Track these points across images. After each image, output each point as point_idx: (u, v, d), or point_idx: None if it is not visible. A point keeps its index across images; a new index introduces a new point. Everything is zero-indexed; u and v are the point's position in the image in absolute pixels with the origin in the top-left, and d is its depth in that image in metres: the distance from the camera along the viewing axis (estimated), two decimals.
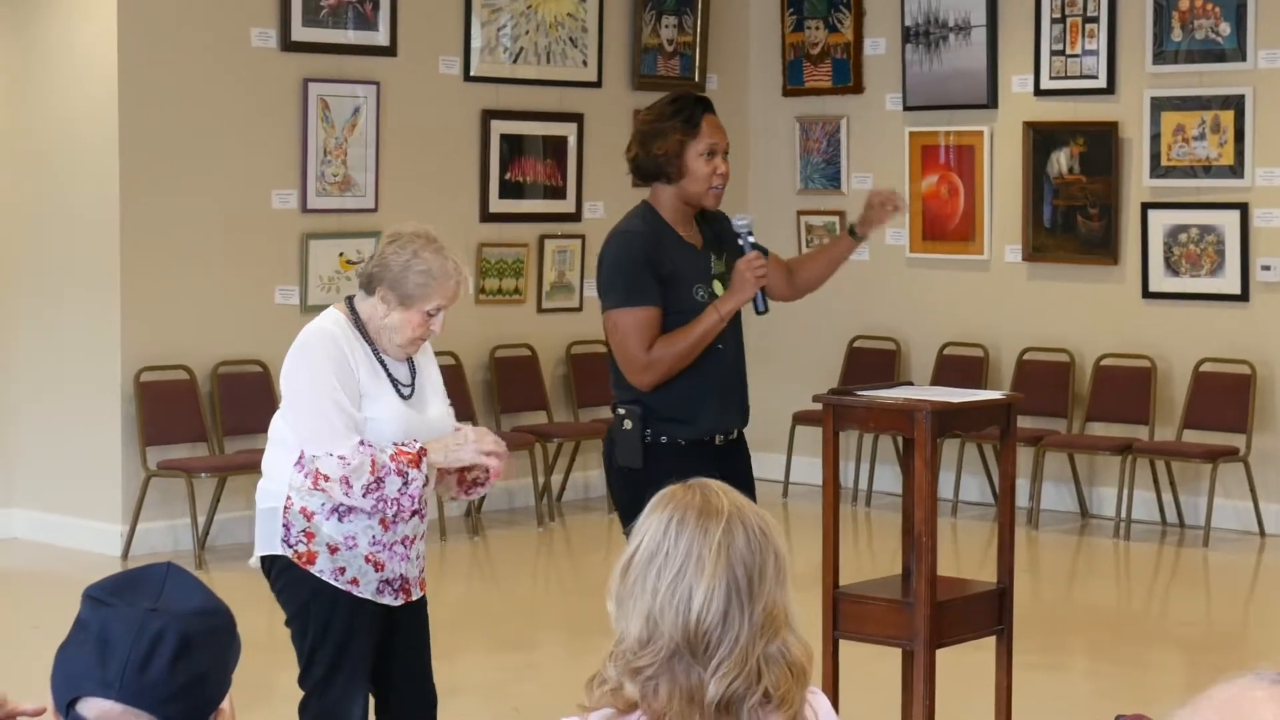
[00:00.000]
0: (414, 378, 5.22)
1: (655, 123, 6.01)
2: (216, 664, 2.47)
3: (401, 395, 5.15)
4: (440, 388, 5.33)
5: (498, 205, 11.64)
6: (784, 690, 2.82)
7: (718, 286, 5.99)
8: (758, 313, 5.97)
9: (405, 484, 5.00)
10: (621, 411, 5.98)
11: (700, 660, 2.78)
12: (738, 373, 6.08)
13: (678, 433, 5.91)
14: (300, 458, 5.04)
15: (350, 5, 10.87)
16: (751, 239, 5.97)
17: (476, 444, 5.14)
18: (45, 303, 10.48)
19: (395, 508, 5.02)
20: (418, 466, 5.02)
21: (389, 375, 5.14)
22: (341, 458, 4.96)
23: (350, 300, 5.20)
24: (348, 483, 4.97)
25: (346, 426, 5.00)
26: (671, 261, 5.92)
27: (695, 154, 5.95)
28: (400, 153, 11.13)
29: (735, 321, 6.04)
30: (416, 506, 5.06)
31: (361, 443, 5.00)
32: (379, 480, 4.98)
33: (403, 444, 5.05)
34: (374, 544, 5.09)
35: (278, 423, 5.19)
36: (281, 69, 10.65)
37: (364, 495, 4.98)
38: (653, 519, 2.85)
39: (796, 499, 11.99)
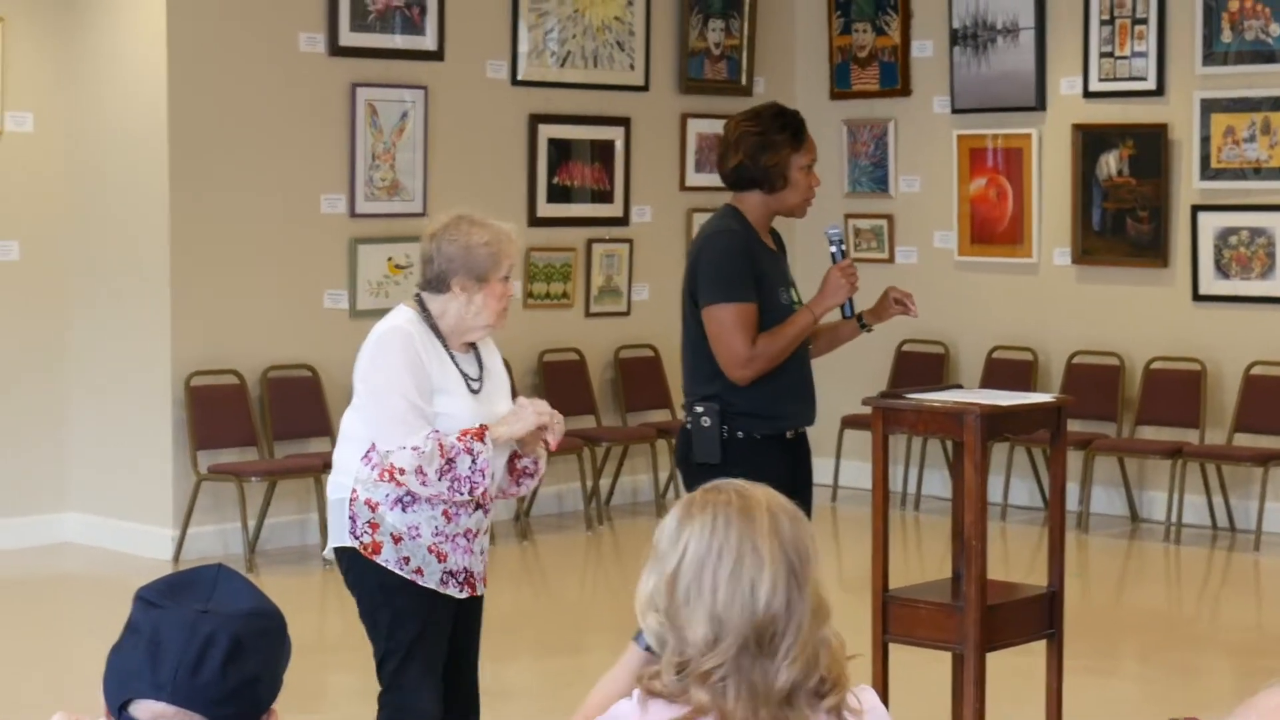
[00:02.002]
0: (481, 373, 5.27)
1: (765, 134, 6.16)
2: (268, 666, 2.48)
3: (471, 390, 5.24)
4: (506, 384, 5.43)
5: (545, 209, 11.65)
6: (836, 673, 2.83)
7: (793, 292, 6.20)
8: (845, 316, 6.21)
9: (474, 460, 5.09)
10: (700, 409, 6.07)
11: (766, 651, 2.78)
12: (809, 370, 6.29)
13: (755, 428, 6.05)
14: (369, 451, 5.11)
15: (398, 10, 10.89)
16: (843, 246, 6.22)
17: (532, 408, 5.22)
18: (96, 308, 10.53)
19: (469, 485, 5.10)
20: (482, 440, 5.11)
21: (460, 371, 5.22)
22: (415, 449, 5.04)
23: (419, 298, 5.24)
24: (422, 471, 5.05)
25: (419, 420, 5.08)
26: (761, 263, 6.09)
27: (798, 167, 6.15)
28: (448, 157, 11.15)
29: None
30: (488, 483, 5.13)
31: (429, 431, 5.09)
32: (450, 461, 5.07)
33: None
34: (437, 534, 5.18)
35: (349, 417, 5.29)
36: (330, 74, 10.68)
37: (439, 479, 5.06)
38: (691, 527, 2.84)
39: (845, 503, 11.97)
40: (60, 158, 10.58)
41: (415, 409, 5.08)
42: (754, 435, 6.04)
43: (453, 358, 5.22)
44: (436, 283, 5.20)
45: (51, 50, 10.54)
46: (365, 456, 5.14)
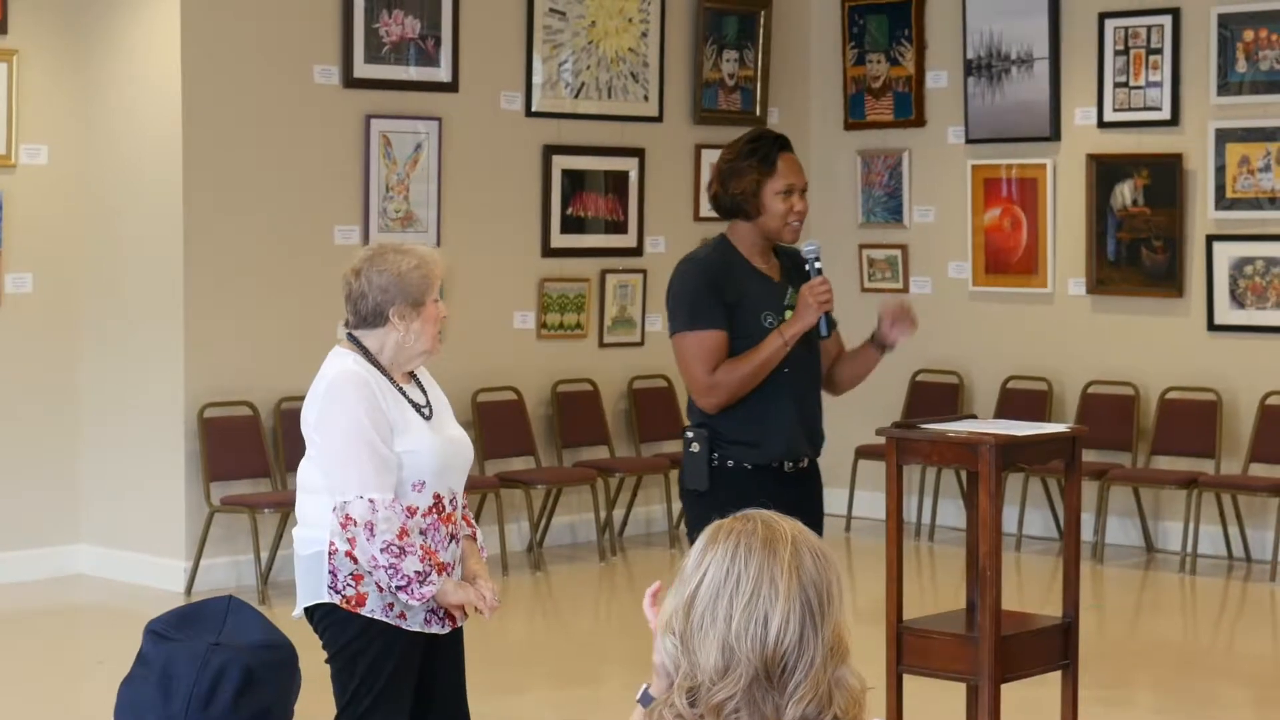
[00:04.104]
0: (427, 397, 5.24)
1: (734, 162, 6.08)
2: (280, 698, 2.47)
3: (424, 417, 5.17)
4: (449, 407, 5.35)
5: (559, 240, 11.65)
6: (853, 715, 2.81)
7: (789, 316, 6.01)
8: (821, 337, 6.02)
9: (422, 579, 4.99)
10: (690, 435, 6.01)
11: (776, 686, 2.76)
12: (808, 400, 6.09)
13: (744, 457, 5.93)
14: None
15: (412, 42, 10.91)
16: (818, 265, 6.02)
17: (475, 593, 5.14)
18: (109, 340, 10.53)
19: (403, 583, 4.99)
20: (440, 574, 5.04)
21: (409, 402, 5.16)
22: (371, 501, 4.96)
23: (352, 338, 5.20)
24: (372, 529, 4.95)
25: (378, 470, 4.99)
26: (738, 287, 5.97)
27: (772, 192, 6.00)
28: (462, 188, 11.16)
29: (811, 349, 6.07)
30: (416, 603, 5.04)
31: (398, 502, 5.00)
32: (402, 550, 4.96)
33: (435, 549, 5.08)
34: None
35: (308, 469, 5.18)
36: (344, 106, 10.69)
37: (382, 550, 4.95)
38: (713, 552, 2.82)
39: (859, 533, 11.95)
40: (74, 190, 10.59)
41: (376, 456, 4.99)
42: (744, 464, 5.93)
43: (401, 390, 5.16)
44: (373, 318, 5.13)
45: (66, 83, 10.56)
46: (334, 509, 5.04)
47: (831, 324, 6.01)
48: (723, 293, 5.94)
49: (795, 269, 6.15)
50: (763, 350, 5.91)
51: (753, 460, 5.93)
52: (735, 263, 6.02)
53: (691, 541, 6.06)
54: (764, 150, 6.06)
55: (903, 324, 6.10)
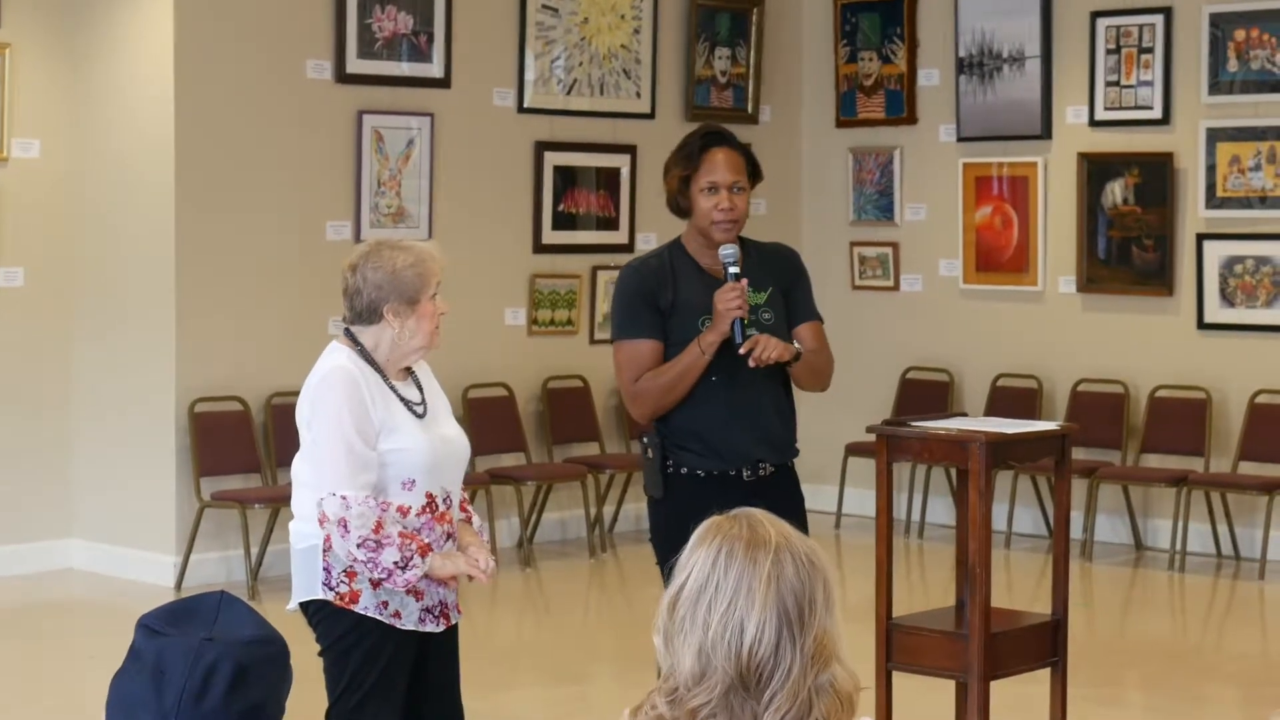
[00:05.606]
0: (423, 395, 5.22)
1: (668, 159, 6.03)
2: (272, 693, 2.48)
3: (417, 415, 5.15)
4: (447, 403, 5.33)
5: (551, 236, 11.65)
6: (835, 718, 2.80)
7: (761, 317, 5.84)
8: (737, 344, 5.69)
9: (403, 565, 4.95)
10: (645, 440, 5.88)
11: (754, 694, 2.76)
12: (755, 406, 5.80)
13: (695, 464, 5.77)
14: None
15: (405, 37, 10.91)
16: (734, 270, 5.76)
17: (466, 562, 5.11)
18: (101, 335, 10.53)
19: (385, 575, 4.97)
20: (423, 557, 5.00)
21: (402, 399, 5.15)
22: (343, 498, 4.94)
23: (349, 333, 5.19)
24: (345, 526, 4.93)
25: (352, 468, 4.98)
26: (675, 292, 5.83)
27: (697, 190, 5.87)
28: (454, 184, 11.16)
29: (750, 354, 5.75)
30: (404, 588, 5.02)
31: (376, 499, 4.97)
32: (379, 544, 4.94)
33: (418, 531, 5.03)
34: None
35: (301, 464, 5.19)
36: (336, 101, 10.69)
37: (358, 546, 4.93)
38: (699, 553, 2.82)
39: (849, 530, 11.96)
40: (66, 184, 10.59)
41: (353, 455, 4.98)
42: (696, 471, 5.75)
43: (393, 388, 5.14)
44: (368, 314, 5.14)
45: (58, 77, 10.56)
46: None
47: (747, 332, 5.68)
48: (656, 300, 5.81)
49: (769, 271, 5.93)
50: (681, 360, 5.73)
51: (704, 467, 5.76)
52: (681, 266, 5.88)
53: (654, 547, 6.02)
54: (690, 147, 5.94)
55: (760, 353, 5.68)
